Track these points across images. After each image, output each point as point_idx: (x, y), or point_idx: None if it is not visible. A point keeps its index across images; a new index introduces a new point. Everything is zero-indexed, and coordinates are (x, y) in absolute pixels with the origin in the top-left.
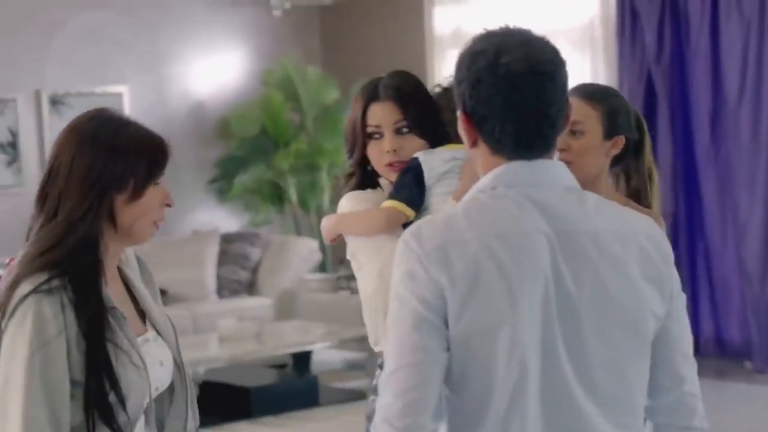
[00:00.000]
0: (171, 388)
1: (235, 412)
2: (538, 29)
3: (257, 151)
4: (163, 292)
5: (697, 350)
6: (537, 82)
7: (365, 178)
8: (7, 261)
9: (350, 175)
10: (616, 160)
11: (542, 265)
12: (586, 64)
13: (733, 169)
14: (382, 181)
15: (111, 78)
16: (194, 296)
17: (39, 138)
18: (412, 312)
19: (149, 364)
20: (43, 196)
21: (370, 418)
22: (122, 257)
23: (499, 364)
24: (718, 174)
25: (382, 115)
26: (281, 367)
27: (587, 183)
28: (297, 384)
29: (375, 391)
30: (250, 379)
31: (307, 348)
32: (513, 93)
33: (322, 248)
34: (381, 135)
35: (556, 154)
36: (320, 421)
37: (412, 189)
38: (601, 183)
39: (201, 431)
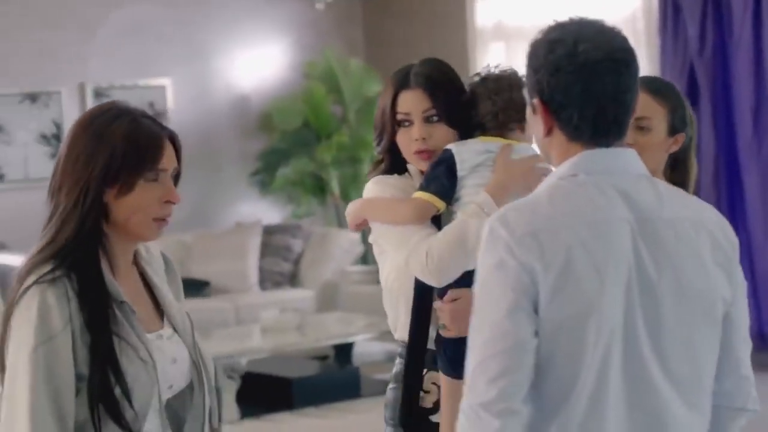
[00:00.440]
0: (191, 387)
1: (277, 403)
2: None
3: (299, 144)
4: (205, 284)
5: None
6: (614, 70)
7: (394, 164)
8: None
9: (379, 162)
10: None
11: (626, 251)
12: None
13: None
14: (410, 167)
15: (154, 71)
16: (237, 288)
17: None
18: (503, 300)
19: (159, 361)
20: (50, 189)
21: (387, 406)
22: (142, 253)
23: (586, 348)
24: (760, 168)
25: (412, 103)
26: (323, 358)
27: None
28: (338, 375)
29: (394, 379)
30: (292, 371)
31: (348, 339)
32: (592, 80)
33: (364, 240)
34: (410, 123)
35: None
36: (361, 412)
37: (443, 181)
38: (657, 178)
39: (243, 422)
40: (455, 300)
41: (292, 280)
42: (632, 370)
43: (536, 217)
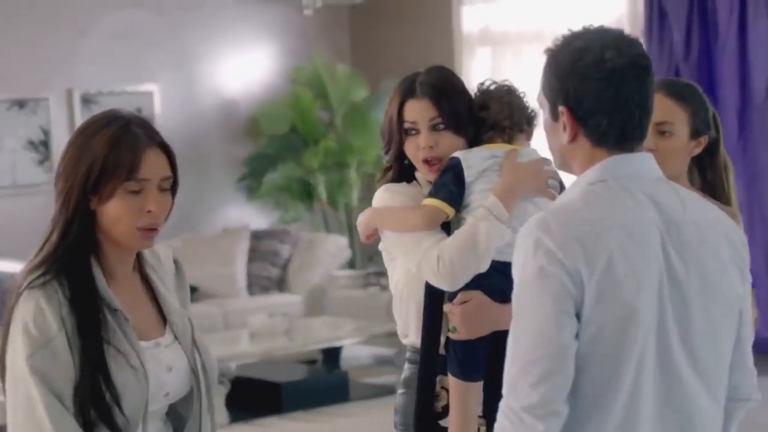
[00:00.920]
0: (192, 394)
1: (265, 407)
2: (565, 27)
3: (286, 149)
4: (194, 289)
5: None
6: (638, 76)
7: (402, 172)
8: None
9: (387, 170)
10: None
11: (657, 254)
12: None
13: (760, 165)
14: (418, 175)
15: (142, 77)
16: (225, 293)
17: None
18: (546, 305)
19: (152, 369)
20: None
21: (398, 411)
22: (148, 259)
23: (625, 349)
24: (745, 170)
25: (418, 112)
26: (311, 362)
27: None
28: (327, 379)
29: (404, 384)
30: (281, 375)
31: (336, 344)
32: (622, 87)
33: (351, 245)
34: (417, 131)
35: None
36: (350, 416)
37: (451, 188)
38: (681, 182)
39: (233, 426)
40: (465, 302)
41: (280, 284)
42: (664, 368)
43: (578, 223)
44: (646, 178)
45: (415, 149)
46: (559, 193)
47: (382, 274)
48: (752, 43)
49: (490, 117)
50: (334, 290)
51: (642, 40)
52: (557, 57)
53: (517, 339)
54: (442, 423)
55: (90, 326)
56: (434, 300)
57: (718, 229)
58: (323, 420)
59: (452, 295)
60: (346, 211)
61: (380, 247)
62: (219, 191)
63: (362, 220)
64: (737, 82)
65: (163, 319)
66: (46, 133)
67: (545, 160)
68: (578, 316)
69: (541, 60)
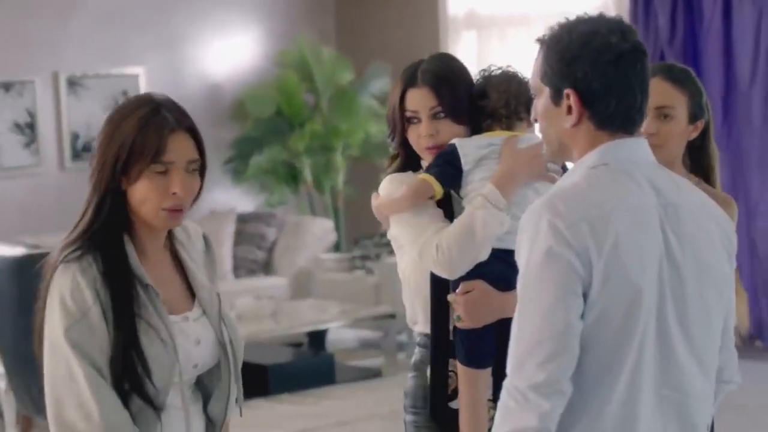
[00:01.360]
0: (219, 366)
1: (252, 390)
2: (551, 12)
3: (272, 132)
4: None
5: None
6: (641, 60)
7: (408, 159)
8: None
9: (394, 157)
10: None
11: (657, 236)
12: None
13: (744, 150)
14: (424, 163)
15: (128, 60)
16: None
17: (56, 119)
18: (554, 285)
19: (181, 343)
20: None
21: (408, 394)
22: (178, 236)
23: (629, 329)
24: (729, 156)
25: (419, 100)
26: (297, 345)
27: (666, 165)
28: (313, 362)
29: (414, 368)
30: (267, 357)
31: (322, 327)
32: (629, 70)
33: (337, 228)
34: (419, 120)
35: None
36: (336, 398)
37: (444, 167)
38: (676, 166)
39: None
40: (468, 292)
41: (266, 267)
42: (663, 348)
43: (585, 204)
44: (644, 162)
45: (416, 137)
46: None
47: (368, 257)
48: (736, 28)
49: (488, 105)
50: (320, 273)
51: None
52: (561, 42)
53: (523, 319)
54: (452, 405)
55: (123, 301)
56: (439, 287)
57: (708, 214)
58: (309, 402)
59: (455, 285)
60: (331, 195)
61: (389, 235)
62: (206, 174)
63: (374, 204)
64: (721, 67)
65: (192, 294)
66: (32, 115)
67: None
68: (584, 297)
69: (527, 44)
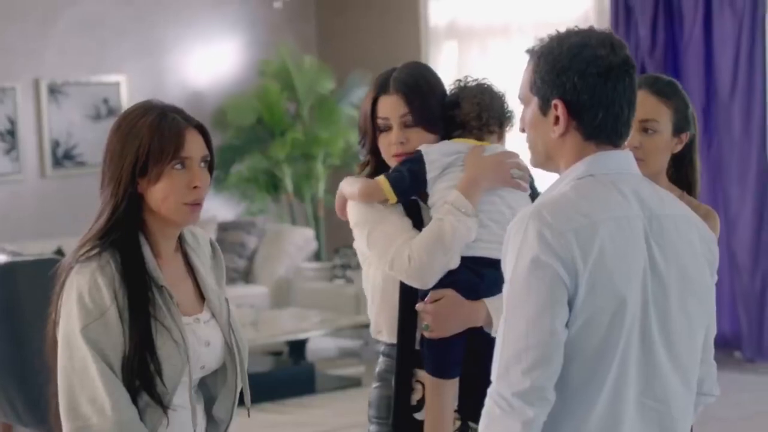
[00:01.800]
0: (224, 369)
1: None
2: (532, 22)
3: (253, 141)
4: None
5: None
6: (630, 74)
7: (379, 166)
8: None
9: (365, 164)
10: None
11: (641, 247)
12: None
13: (724, 162)
14: None
15: (109, 67)
16: None
17: (37, 126)
18: (540, 294)
19: (192, 344)
20: (100, 186)
21: (372, 404)
22: (188, 240)
23: (613, 338)
24: (709, 167)
25: (390, 108)
26: (277, 354)
27: (650, 178)
28: (293, 371)
29: (378, 378)
30: (248, 366)
31: (302, 336)
32: (618, 83)
33: (318, 237)
34: (390, 127)
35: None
36: (316, 407)
37: (404, 175)
38: (661, 178)
39: None
40: (437, 300)
41: (247, 276)
42: (646, 358)
43: (573, 214)
44: (629, 175)
45: (387, 145)
46: (530, 185)
47: (348, 266)
48: (717, 40)
49: (459, 115)
50: (300, 282)
51: None
52: (552, 53)
53: (509, 327)
54: (417, 416)
55: (139, 302)
56: (407, 297)
57: (691, 226)
58: (289, 411)
59: (424, 294)
60: (312, 203)
61: (354, 245)
62: None
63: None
64: (702, 77)
65: (201, 297)
66: (12, 122)
67: (510, 153)
68: (570, 306)
69: (507, 54)
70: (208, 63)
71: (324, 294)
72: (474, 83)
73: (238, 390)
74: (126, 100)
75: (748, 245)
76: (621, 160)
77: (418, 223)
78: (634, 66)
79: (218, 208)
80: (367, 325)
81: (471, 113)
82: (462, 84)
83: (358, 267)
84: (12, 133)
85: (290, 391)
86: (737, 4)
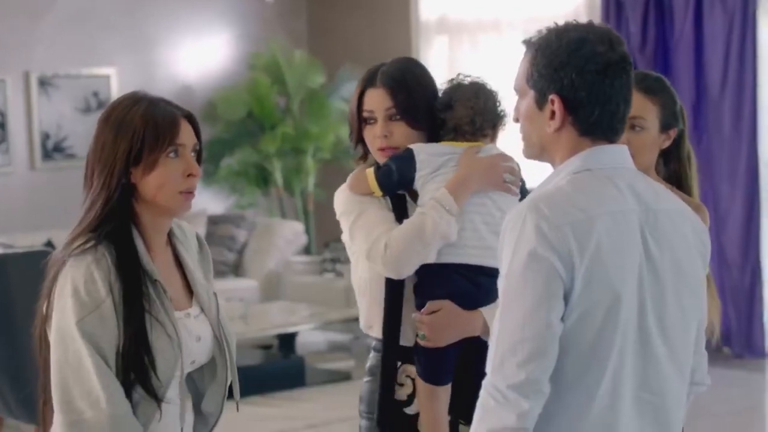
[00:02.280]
0: (213, 363)
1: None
2: (523, 17)
3: (243, 135)
4: None
5: None
6: (627, 71)
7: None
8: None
9: (362, 158)
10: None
11: (637, 240)
12: None
13: (714, 159)
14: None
15: (99, 60)
16: None
17: (27, 119)
18: (537, 287)
19: (184, 338)
20: (84, 179)
21: (363, 399)
22: (177, 234)
23: (610, 332)
24: (699, 164)
25: (375, 101)
26: (267, 347)
27: None
28: (283, 365)
29: (368, 372)
30: (237, 359)
31: (292, 329)
32: (615, 80)
33: (308, 231)
34: (375, 120)
35: None
36: (306, 401)
37: (392, 171)
38: (650, 174)
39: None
40: (434, 312)
41: (236, 269)
42: (644, 352)
43: (569, 208)
44: (624, 169)
45: (372, 138)
46: (520, 191)
47: (338, 260)
48: (708, 37)
49: (452, 119)
50: (290, 276)
51: None
52: (551, 47)
53: (505, 319)
54: (407, 411)
55: (134, 295)
56: (393, 290)
57: (684, 219)
58: (279, 405)
59: (421, 304)
60: (302, 197)
61: (342, 238)
62: None
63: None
64: (692, 74)
65: (190, 291)
66: (2, 114)
67: (505, 156)
68: (565, 299)
69: (498, 49)
70: (199, 56)
71: (314, 288)
72: (468, 82)
73: (228, 384)
74: (116, 93)
75: (737, 241)
76: (616, 154)
77: (403, 218)
78: (631, 63)
79: (208, 201)
80: (356, 319)
81: (464, 118)
82: (455, 83)
83: (347, 261)
84: (2, 125)
85: (280, 385)
86: (728, 1)
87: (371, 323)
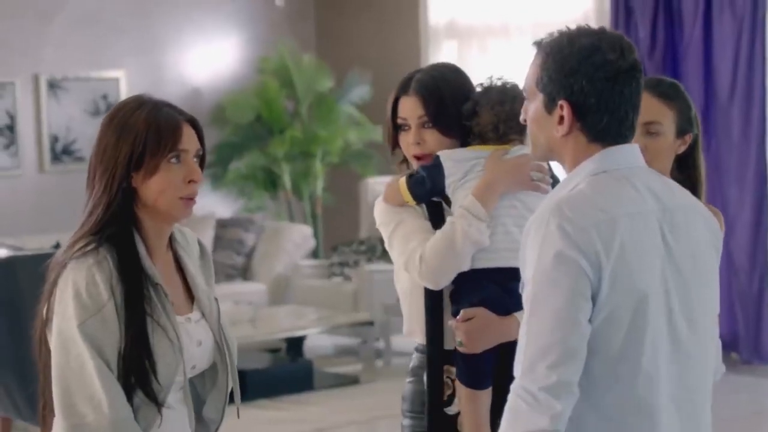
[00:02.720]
0: (214, 369)
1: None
2: (531, 22)
3: (252, 138)
4: None
5: None
6: (637, 78)
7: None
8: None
9: (403, 162)
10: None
11: (658, 239)
12: None
13: (723, 164)
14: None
15: (108, 63)
16: None
17: (36, 121)
18: (565, 289)
19: (185, 343)
20: (87, 182)
21: (405, 398)
22: (178, 239)
23: (639, 331)
24: (708, 169)
25: (408, 108)
26: (275, 351)
27: None
28: (291, 368)
29: (411, 373)
30: (245, 363)
31: (300, 333)
32: (625, 87)
33: (316, 235)
34: (409, 127)
35: None
36: (313, 405)
37: (423, 179)
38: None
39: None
40: (469, 319)
41: (245, 273)
42: (676, 348)
43: (592, 210)
44: (639, 168)
45: (406, 145)
46: (552, 187)
47: (346, 264)
48: (717, 42)
49: (477, 126)
50: (298, 279)
51: None
52: (562, 52)
53: (534, 321)
54: (448, 411)
55: (136, 299)
56: (433, 299)
57: (696, 214)
58: (287, 408)
59: (456, 312)
60: (310, 201)
61: (386, 246)
62: None
63: None
64: (701, 79)
65: (191, 296)
66: (12, 117)
67: (529, 156)
68: (593, 300)
69: (507, 54)
70: (208, 59)
71: (322, 291)
72: (498, 85)
73: (229, 389)
74: (125, 96)
75: (746, 247)
76: (629, 154)
77: (441, 225)
78: (641, 70)
79: (216, 204)
80: (364, 323)
81: (488, 125)
82: (485, 87)
83: (355, 265)
84: (11, 128)
85: (288, 388)
86: (737, 6)
87: (413, 329)
